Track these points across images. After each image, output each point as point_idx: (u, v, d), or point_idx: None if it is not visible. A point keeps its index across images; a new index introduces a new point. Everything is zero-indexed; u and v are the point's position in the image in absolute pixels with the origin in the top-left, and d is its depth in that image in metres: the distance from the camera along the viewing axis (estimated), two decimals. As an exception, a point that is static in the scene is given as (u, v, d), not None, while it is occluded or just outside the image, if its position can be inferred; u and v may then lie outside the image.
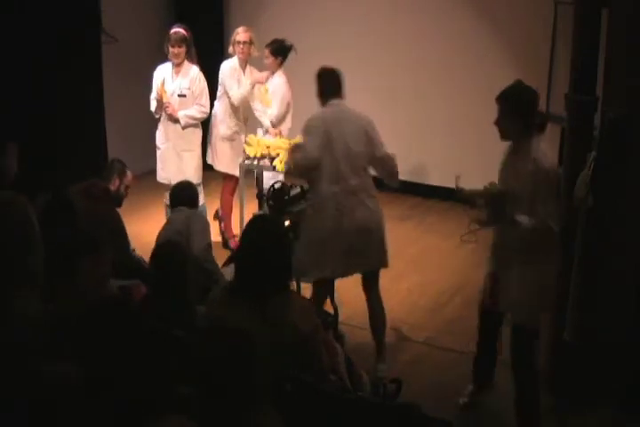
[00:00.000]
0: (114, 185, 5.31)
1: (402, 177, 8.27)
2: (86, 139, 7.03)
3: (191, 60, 6.41)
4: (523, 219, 3.86)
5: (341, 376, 3.53)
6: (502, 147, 7.57)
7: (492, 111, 8.12)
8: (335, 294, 5.41)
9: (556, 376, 4.52)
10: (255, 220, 3.58)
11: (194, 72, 6.39)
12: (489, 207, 3.94)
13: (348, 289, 5.95)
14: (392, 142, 8.21)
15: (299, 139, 6.24)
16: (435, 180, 7.94)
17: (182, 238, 4.79)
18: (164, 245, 4.18)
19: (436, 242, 6.96)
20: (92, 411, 2.18)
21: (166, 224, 5.16)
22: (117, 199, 5.36)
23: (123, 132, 7.81)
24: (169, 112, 6.38)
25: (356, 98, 8.29)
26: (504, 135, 4.14)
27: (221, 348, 2.53)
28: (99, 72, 7.64)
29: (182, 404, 2.48)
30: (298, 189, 5.27)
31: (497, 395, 4.66)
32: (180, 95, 6.38)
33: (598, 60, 4.32)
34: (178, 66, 6.39)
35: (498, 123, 4.11)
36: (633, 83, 4.13)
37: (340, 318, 5.32)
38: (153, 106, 6.53)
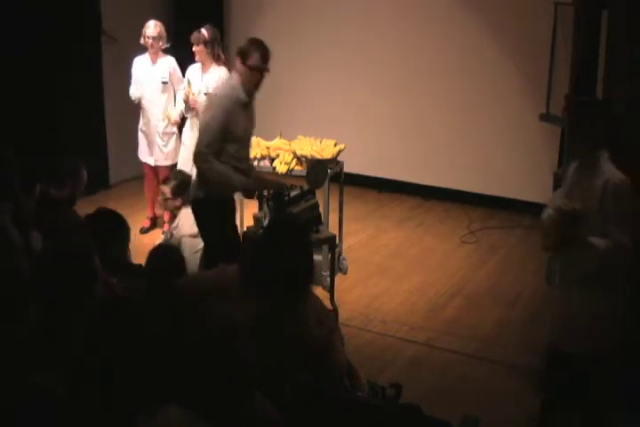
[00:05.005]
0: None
1: (402, 177, 8.37)
2: (86, 139, 7.04)
3: (217, 61, 6.50)
4: (596, 241, 3.41)
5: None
6: (502, 147, 7.61)
7: (493, 112, 8.10)
8: (334, 295, 5.41)
9: (555, 376, 4.51)
10: (279, 219, 3.53)
11: (220, 73, 6.48)
12: (559, 229, 3.43)
13: (348, 290, 5.95)
14: (393, 142, 8.26)
15: (301, 138, 6.26)
16: (435, 180, 7.94)
17: None
18: (160, 247, 4.10)
19: (436, 243, 6.96)
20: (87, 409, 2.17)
21: None
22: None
23: (123, 132, 7.79)
24: (195, 109, 6.50)
25: (359, 99, 8.33)
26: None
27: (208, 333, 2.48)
28: (99, 72, 7.64)
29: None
30: (298, 190, 5.26)
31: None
32: (206, 94, 6.45)
33: (598, 60, 4.32)
34: (203, 65, 6.53)
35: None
36: (633, 83, 4.12)
37: (340, 319, 5.31)
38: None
